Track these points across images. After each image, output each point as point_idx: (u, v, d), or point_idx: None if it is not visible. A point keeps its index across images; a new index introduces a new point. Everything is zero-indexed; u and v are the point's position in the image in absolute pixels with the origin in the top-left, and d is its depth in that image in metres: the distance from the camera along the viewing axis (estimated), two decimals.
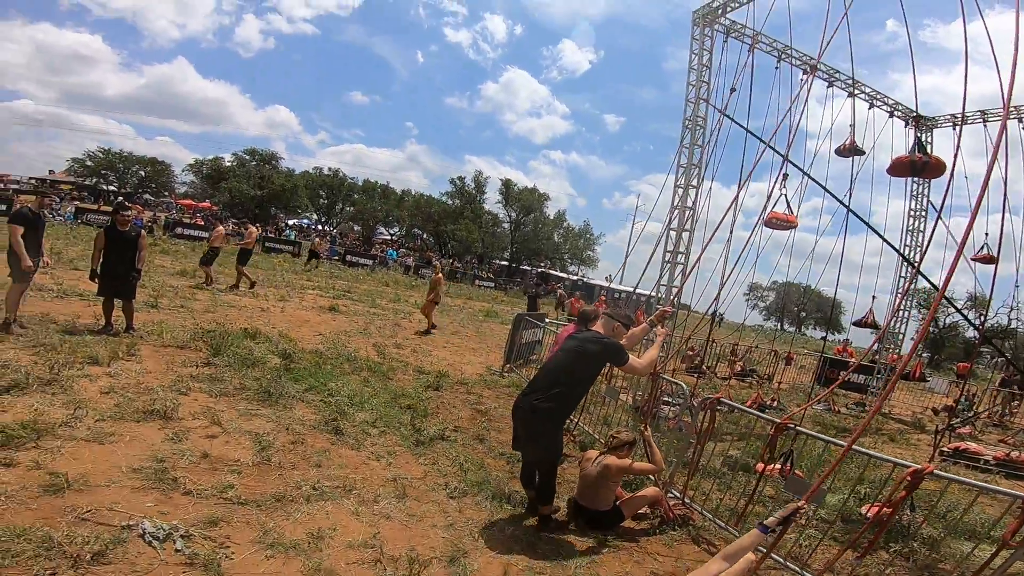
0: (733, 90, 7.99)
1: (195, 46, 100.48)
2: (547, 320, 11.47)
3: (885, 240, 8.88)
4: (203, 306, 9.66)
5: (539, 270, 47.72)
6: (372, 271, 27.56)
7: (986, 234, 11.74)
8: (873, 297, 14.21)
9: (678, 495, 4.88)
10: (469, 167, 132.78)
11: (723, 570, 2.79)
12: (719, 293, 7.40)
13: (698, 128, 9.51)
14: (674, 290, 9.55)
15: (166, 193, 50.12)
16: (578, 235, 50.56)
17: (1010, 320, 22.25)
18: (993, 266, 11.25)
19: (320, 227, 50.50)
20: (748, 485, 4.45)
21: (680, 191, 9.67)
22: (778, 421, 4.32)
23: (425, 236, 49.61)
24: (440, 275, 13.36)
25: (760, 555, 3.15)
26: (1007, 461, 7.78)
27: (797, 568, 3.80)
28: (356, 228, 51.85)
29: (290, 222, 47.47)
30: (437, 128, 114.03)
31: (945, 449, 8.11)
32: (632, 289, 22.08)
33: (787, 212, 9.95)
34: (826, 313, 40.03)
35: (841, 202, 11.33)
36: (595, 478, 4.12)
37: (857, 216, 7.83)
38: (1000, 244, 8.20)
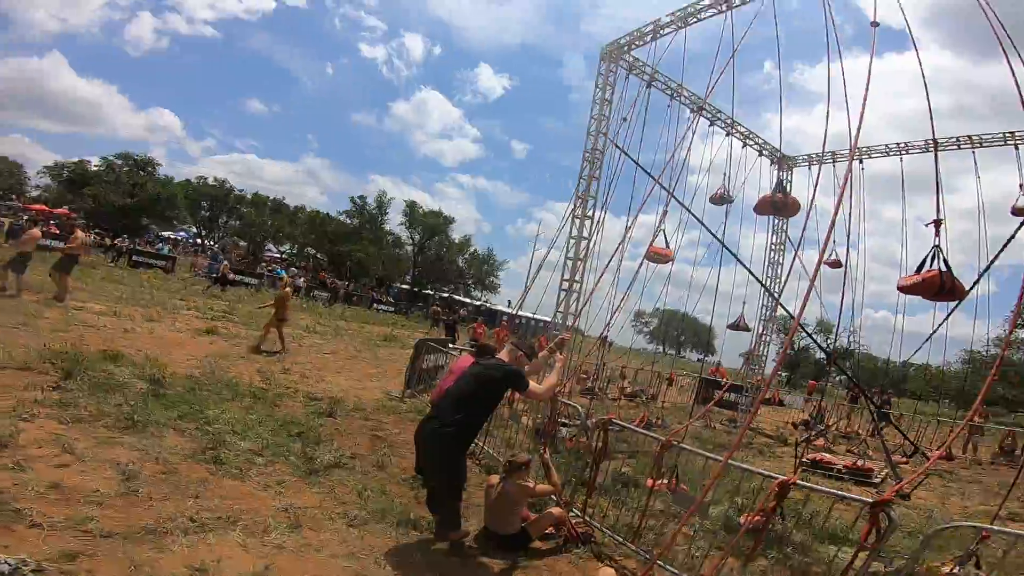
0: (624, 120, 8.67)
1: (74, 41, 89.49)
2: (452, 346, 11.33)
3: (751, 273, 10.04)
4: (52, 324, 8.40)
5: (442, 295, 47.35)
6: (257, 290, 25.63)
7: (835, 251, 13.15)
8: (744, 303, 15.57)
9: (579, 513, 4.99)
10: (372, 186, 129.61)
11: None
12: (609, 320, 7.82)
13: (596, 160, 10.03)
14: (570, 317, 9.89)
15: (13, 196, 43.52)
16: (483, 260, 50.74)
17: (851, 343, 25.85)
18: (840, 292, 12.92)
19: (200, 241, 46.32)
20: (641, 501, 4.64)
21: (577, 221, 10.09)
22: (663, 439, 4.60)
23: (319, 256, 47.24)
24: (288, 290, 11.94)
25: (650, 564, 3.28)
26: (855, 469, 8.83)
27: None
28: (241, 244, 48.20)
29: (164, 234, 43.11)
30: (341, 144, 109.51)
31: (804, 460, 9.04)
32: (532, 315, 22.76)
33: (665, 247, 10.85)
34: (701, 338, 43.60)
35: (715, 236, 12.47)
36: (500, 502, 4.17)
37: (728, 250, 8.84)
38: (846, 272, 9.43)
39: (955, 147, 11.83)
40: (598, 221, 9.95)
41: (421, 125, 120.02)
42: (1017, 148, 10.19)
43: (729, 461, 4.06)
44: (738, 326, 15.22)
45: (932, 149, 10.52)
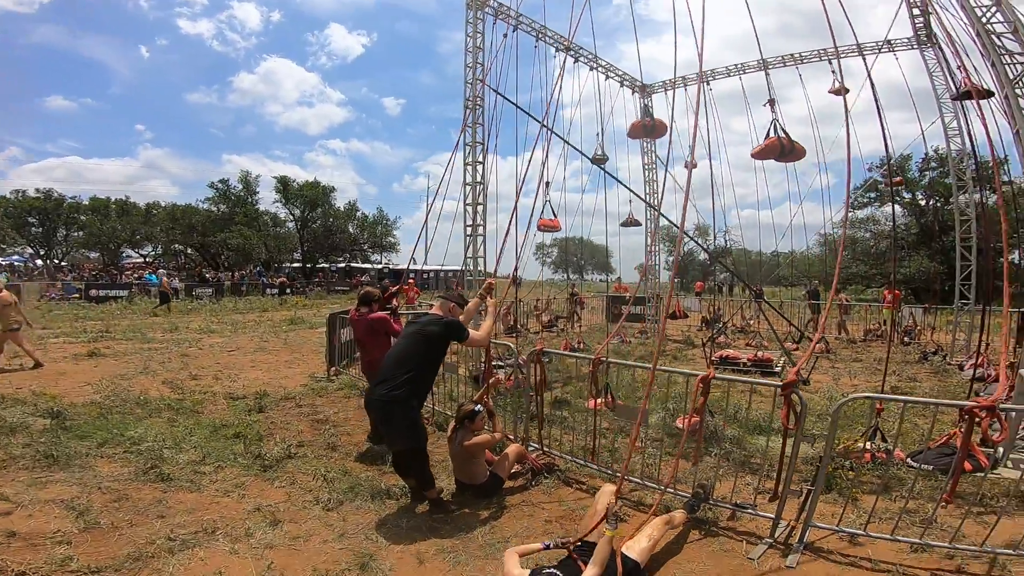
0: (494, 63, 8.79)
1: None
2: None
3: (631, 191, 10.79)
4: None
5: (338, 266, 45.19)
6: (129, 302, 22.88)
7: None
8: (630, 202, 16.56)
9: (536, 446, 5.25)
10: (231, 167, 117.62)
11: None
12: (519, 257, 8.05)
13: (478, 107, 9.90)
14: (480, 260, 9.96)
15: None
16: (375, 223, 48.60)
17: (727, 242, 28.76)
18: (710, 197, 14.18)
19: (40, 261, 40.00)
20: (588, 422, 4.91)
21: (469, 168, 10.01)
22: (592, 358, 4.84)
23: (188, 251, 42.83)
24: (6, 293, 8.69)
25: (619, 480, 3.57)
26: (758, 360, 9.84)
27: (654, 485, 4.43)
28: (93, 255, 42.42)
29: None
30: (179, 129, 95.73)
31: (714, 358, 9.88)
32: (440, 267, 22.60)
33: (552, 218, 12.00)
34: (600, 259, 45.67)
35: (593, 162, 13.01)
36: (461, 455, 4.24)
37: (608, 173, 9.84)
38: (712, 184, 10.33)
39: (782, 64, 13.53)
40: (489, 165, 9.94)
41: (274, 96, 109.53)
42: (831, 62, 11.98)
43: (663, 369, 4.38)
44: (628, 223, 16.27)
45: (763, 68, 12.33)
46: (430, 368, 4.01)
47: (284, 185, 43.03)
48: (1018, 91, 4.47)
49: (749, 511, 3.93)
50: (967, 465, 4.11)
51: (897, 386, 8.78)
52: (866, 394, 3.55)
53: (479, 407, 4.34)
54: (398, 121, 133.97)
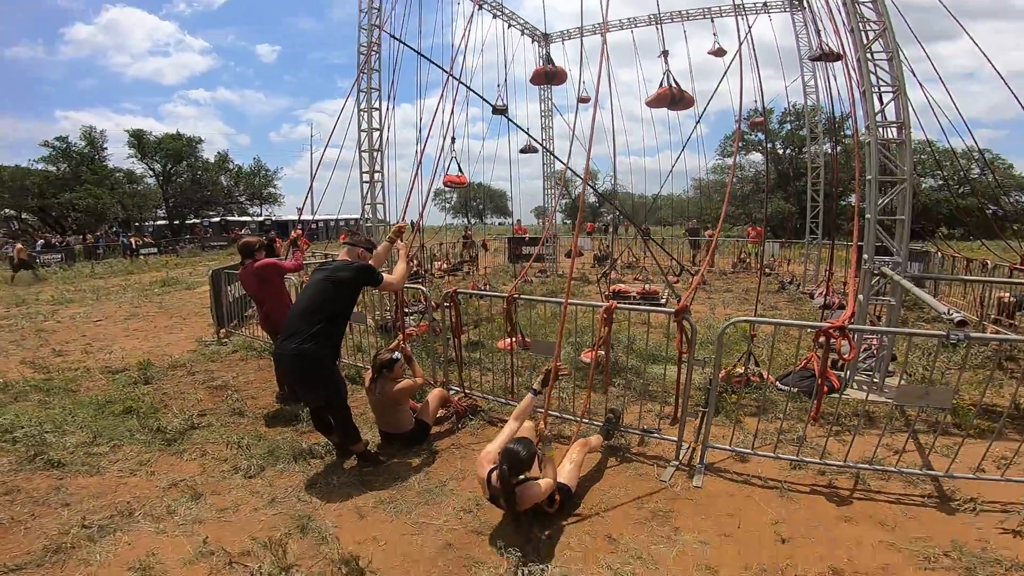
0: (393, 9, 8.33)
1: None
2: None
3: (529, 135, 10.92)
4: None
5: (212, 220, 41.15)
6: None
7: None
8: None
9: (457, 389, 5.34)
10: (68, 124, 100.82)
11: (516, 428, 3.39)
12: (425, 205, 7.94)
13: (373, 53, 9.32)
14: (379, 208, 9.68)
15: None
16: (252, 174, 44.63)
17: (614, 185, 30.48)
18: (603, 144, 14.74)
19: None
20: (503, 362, 5.07)
21: (364, 115, 9.55)
22: (506, 295, 4.89)
23: (23, 216, 36.72)
24: None
25: (542, 416, 3.81)
26: (646, 293, 10.59)
27: (570, 416, 4.74)
28: None
29: None
30: None
31: (607, 293, 10.52)
32: (334, 216, 21.43)
33: (459, 174, 12.10)
34: (498, 203, 45.98)
35: (495, 108, 12.92)
36: (383, 405, 4.20)
37: (512, 122, 9.74)
38: (592, 132, 10.82)
39: (669, 20, 14.37)
40: (387, 111, 9.49)
41: (120, 47, 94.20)
42: (712, 20, 13.62)
43: (573, 302, 4.61)
44: (527, 150, 16.64)
45: (657, 23, 12.95)
46: (343, 316, 3.83)
47: (139, 139, 37.80)
48: (869, 56, 5.02)
49: (655, 435, 4.36)
50: (824, 387, 4.79)
51: (763, 313, 9.89)
52: (745, 318, 4.02)
53: (397, 354, 4.26)
54: (273, 69, 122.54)
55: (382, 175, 9.85)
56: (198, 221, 41.17)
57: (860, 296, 5.39)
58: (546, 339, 5.36)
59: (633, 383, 5.73)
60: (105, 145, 37.43)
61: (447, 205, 60.63)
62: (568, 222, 48.72)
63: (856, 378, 5.53)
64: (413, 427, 4.35)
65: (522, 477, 3.07)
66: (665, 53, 10.69)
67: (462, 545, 3.05)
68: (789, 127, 35.79)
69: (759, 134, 32.56)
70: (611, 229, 20.28)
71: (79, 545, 2.94)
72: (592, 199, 41.75)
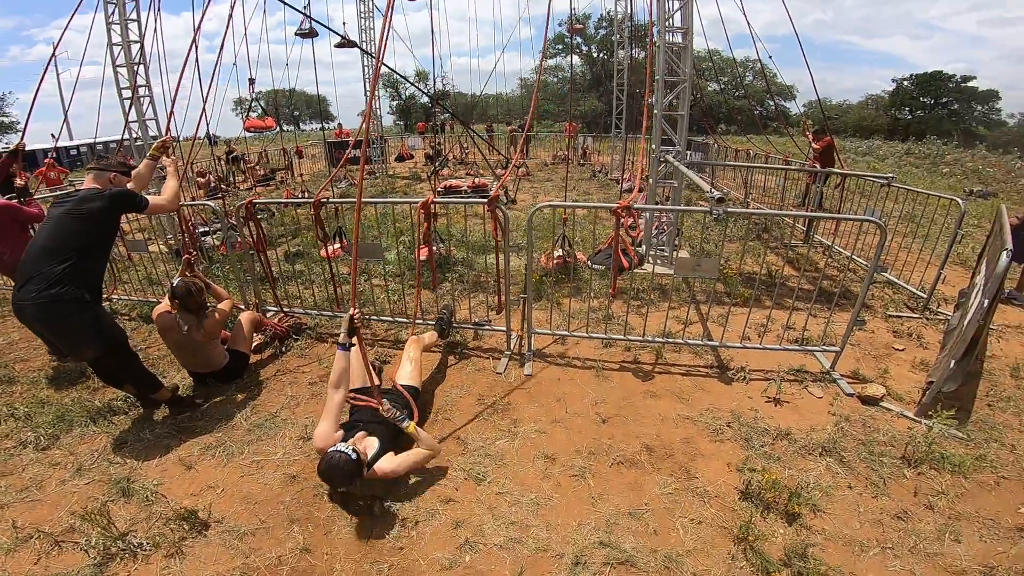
0: None
1: None
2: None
3: (348, 39, 9.89)
4: None
5: None
6: None
7: None
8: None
9: (275, 309, 4.98)
10: None
11: (340, 400, 2.87)
12: (205, 113, 6.89)
13: None
14: (151, 124, 8.21)
15: None
16: None
17: (445, 85, 29.48)
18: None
19: None
20: (325, 272, 4.76)
21: (118, 27, 7.72)
22: (313, 200, 4.44)
23: None
24: None
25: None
26: (476, 187, 10.83)
27: (404, 319, 4.72)
28: None
29: None
30: None
31: (439, 188, 10.61)
32: (93, 140, 17.48)
33: (262, 118, 10.59)
34: (318, 107, 42.06)
35: (300, 11, 11.51)
36: (188, 343, 3.67)
37: (318, 22, 9.04)
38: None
39: None
40: (151, 22, 7.72)
41: None
42: None
43: (379, 199, 4.42)
44: (343, 43, 15.21)
45: None
46: (98, 252, 3.17)
47: None
48: None
49: (486, 327, 4.55)
50: (624, 262, 5.34)
51: (576, 199, 10.95)
52: (550, 202, 4.20)
53: (191, 283, 3.69)
54: None
55: (149, 89, 8.30)
56: None
57: (650, 179, 6.03)
58: (375, 241, 5.12)
59: (465, 275, 5.87)
60: None
61: (253, 114, 53.46)
62: (400, 123, 46.68)
63: (655, 254, 6.33)
64: (228, 360, 3.93)
65: (370, 460, 2.68)
66: None
67: (308, 474, 2.91)
68: (603, 32, 38.18)
69: (577, 38, 33.96)
70: (439, 127, 19.73)
71: None
72: (423, 100, 40.06)
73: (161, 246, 7.46)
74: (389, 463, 2.71)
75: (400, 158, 19.21)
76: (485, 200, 4.01)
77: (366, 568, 2.35)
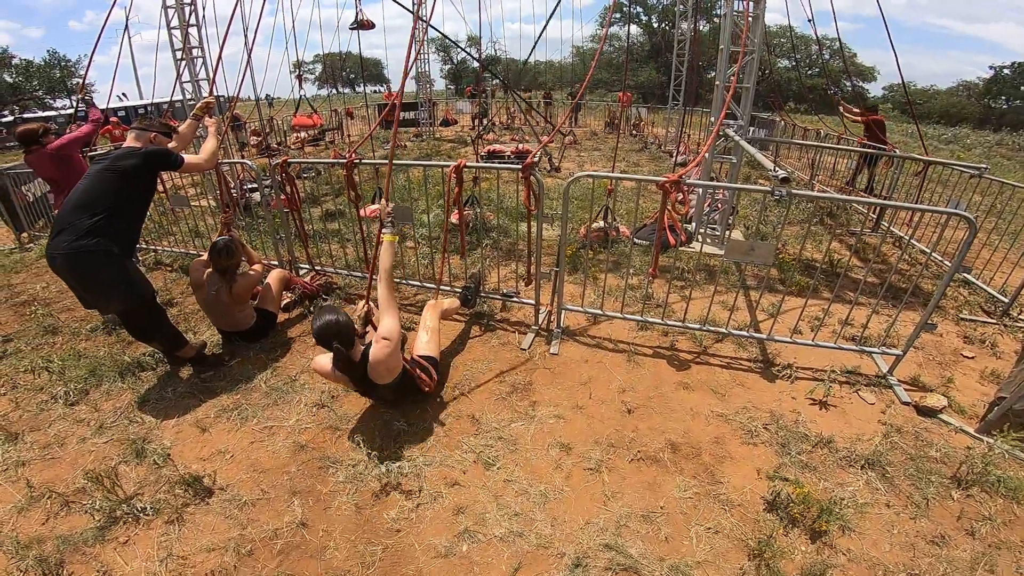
0: None
1: None
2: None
3: (403, 7, 9.55)
4: None
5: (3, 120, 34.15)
6: None
7: None
8: None
9: (309, 267, 4.94)
10: None
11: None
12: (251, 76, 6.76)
13: None
14: (203, 84, 8.28)
15: None
16: (49, 66, 37.82)
17: (496, 51, 29.09)
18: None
19: None
20: (359, 232, 4.65)
21: None
22: (345, 161, 4.29)
23: None
24: None
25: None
26: (520, 152, 10.53)
27: (431, 284, 4.62)
28: None
29: None
30: None
31: (482, 153, 10.40)
32: (150, 100, 18.12)
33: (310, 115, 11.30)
34: (371, 71, 42.46)
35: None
36: (220, 301, 3.68)
37: None
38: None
39: None
40: None
41: None
42: None
43: (428, 164, 4.27)
44: (361, 25, 14.98)
45: None
46: (132, 209, 3.20)
47: None
48: None
49: (514, 299, 4.33)
50: (671, 239, 5.01)
51: (625, 170, 10.37)
52: (588, 173, 3.88)
53: (230, 242, 3.70)
54: None
55: (202, 50, 8.42)
56: None
57: (707, 154, 5.57)
58: (414, 204, 4.98)
59: (499, 243, 5.63)
60: None
61: (310, 77, 54.64)
62: (452, 87, 46.39)
63: (704, 231, 5.92)
64: (256, 320, 3.92)
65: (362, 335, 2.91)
66: None
67: (317, 444, 2.87)
68: (665, 3, 36.73)
69: (637, 7, 32.50)
70: (487, 94, 19.33)
71: None
72: (475, 65, 39.57)
73: (211, 200, 7.60)
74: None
75: (445, 123, 18.97)
76: (519, 168, 3.76)
77: (360, 549, 2.26)
